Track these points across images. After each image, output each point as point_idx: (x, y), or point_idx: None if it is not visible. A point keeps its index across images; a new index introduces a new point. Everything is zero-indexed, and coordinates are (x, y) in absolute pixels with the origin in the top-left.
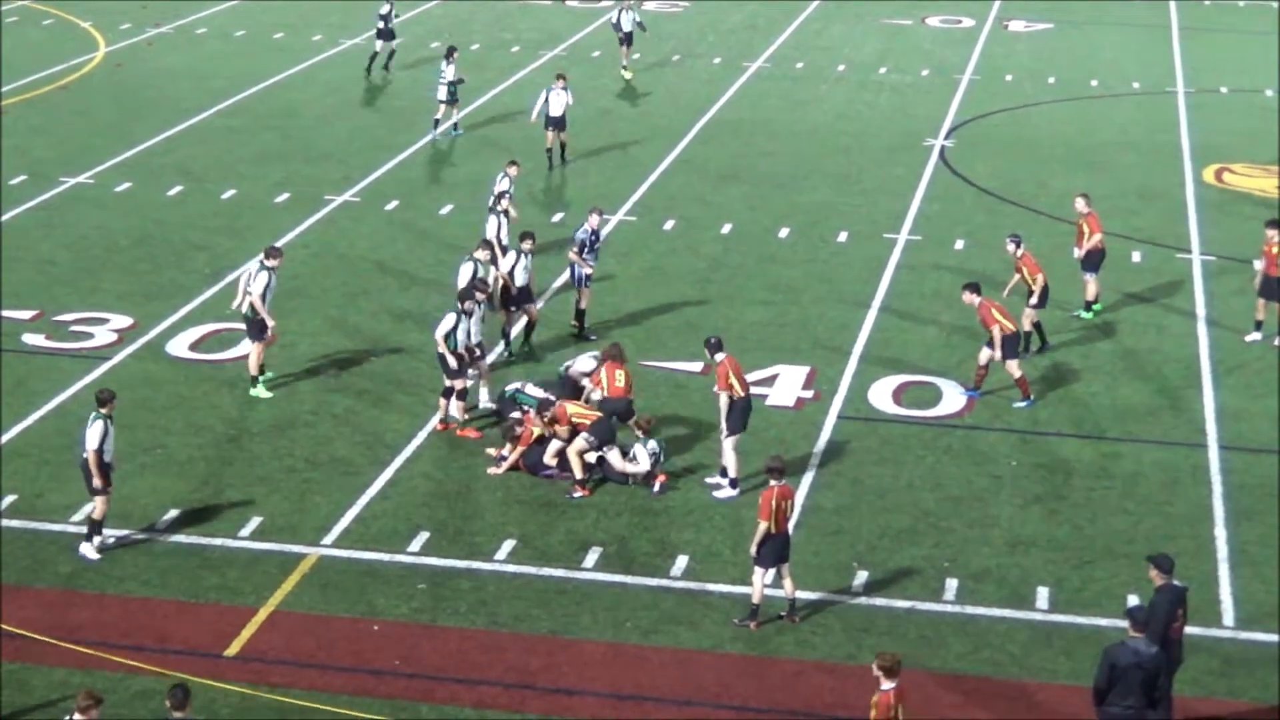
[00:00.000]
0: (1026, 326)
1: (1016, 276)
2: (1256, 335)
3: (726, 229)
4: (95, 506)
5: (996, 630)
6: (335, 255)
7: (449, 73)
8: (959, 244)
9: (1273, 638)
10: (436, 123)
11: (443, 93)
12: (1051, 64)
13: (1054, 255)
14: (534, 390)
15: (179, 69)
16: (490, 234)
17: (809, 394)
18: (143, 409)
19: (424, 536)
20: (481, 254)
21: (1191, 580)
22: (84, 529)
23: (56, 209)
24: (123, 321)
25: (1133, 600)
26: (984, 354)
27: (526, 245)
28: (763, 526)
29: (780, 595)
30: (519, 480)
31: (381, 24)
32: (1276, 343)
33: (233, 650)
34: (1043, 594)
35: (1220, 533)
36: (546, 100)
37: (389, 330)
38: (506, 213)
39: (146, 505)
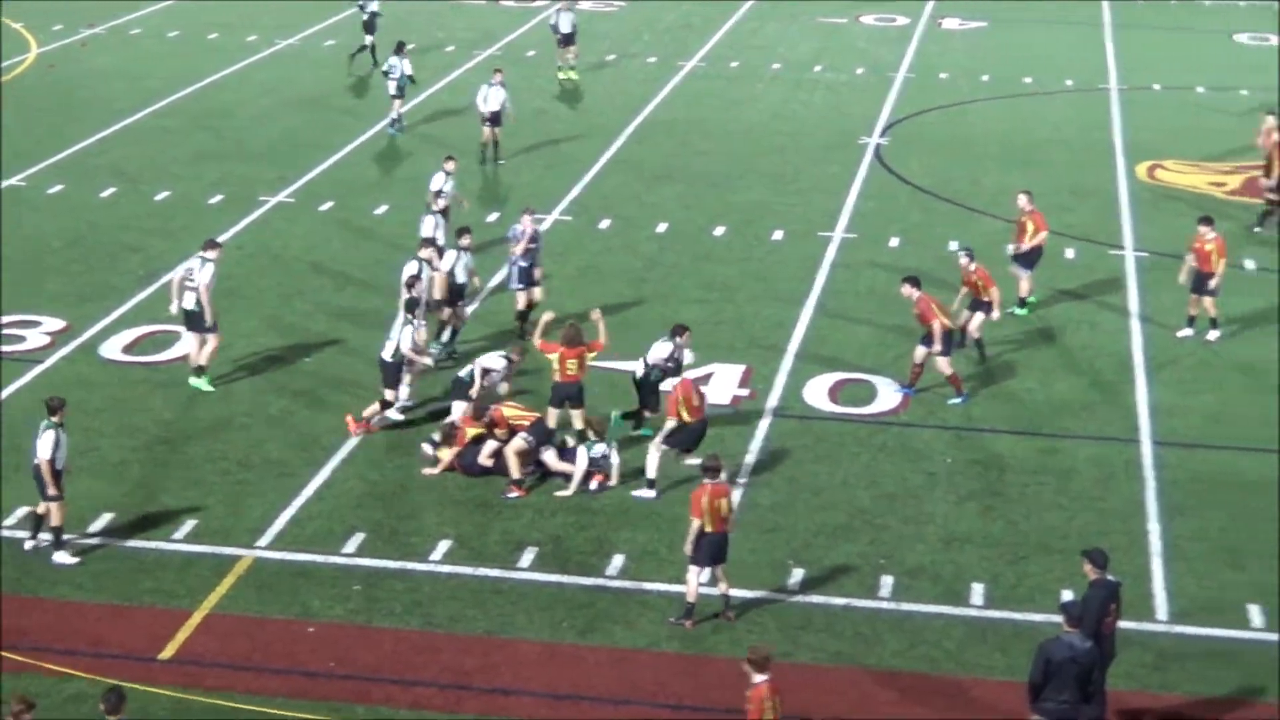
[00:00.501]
0: (975, 333)
1: (965, 290)
2: (1188, 331)
3: (662, 228)
4: (52, 515)
5: (932, 626)
6: (270, 256)
7: (403, 66)
8: (894, 241)
9: (1205, 631)
10: (394, 120)
11: (392, 87)
12: (985, 62)
13: (990, 252)
14: (488, 360)
15: (112, 70)
16: (427, 232)
17: (745, 392)
18: (76, 411)
19: (359, 538)
20: (425, 253)
21: (1125, 575)
22: (17, 534)
23: None
24: (56, 324)
25: (1067, 595)
26: (920, 351)
27: (465, 242)
28: (695, 524)
29: (717, 594)
30: (454, 481)
31: (366, 17)
32: (1209, 337)
33: (167, 653)
34: (978, 590)
35: (1153, 527)
36: (487, 96)
37: (325, 330)
38: (444, 211)
39: (81, 508)
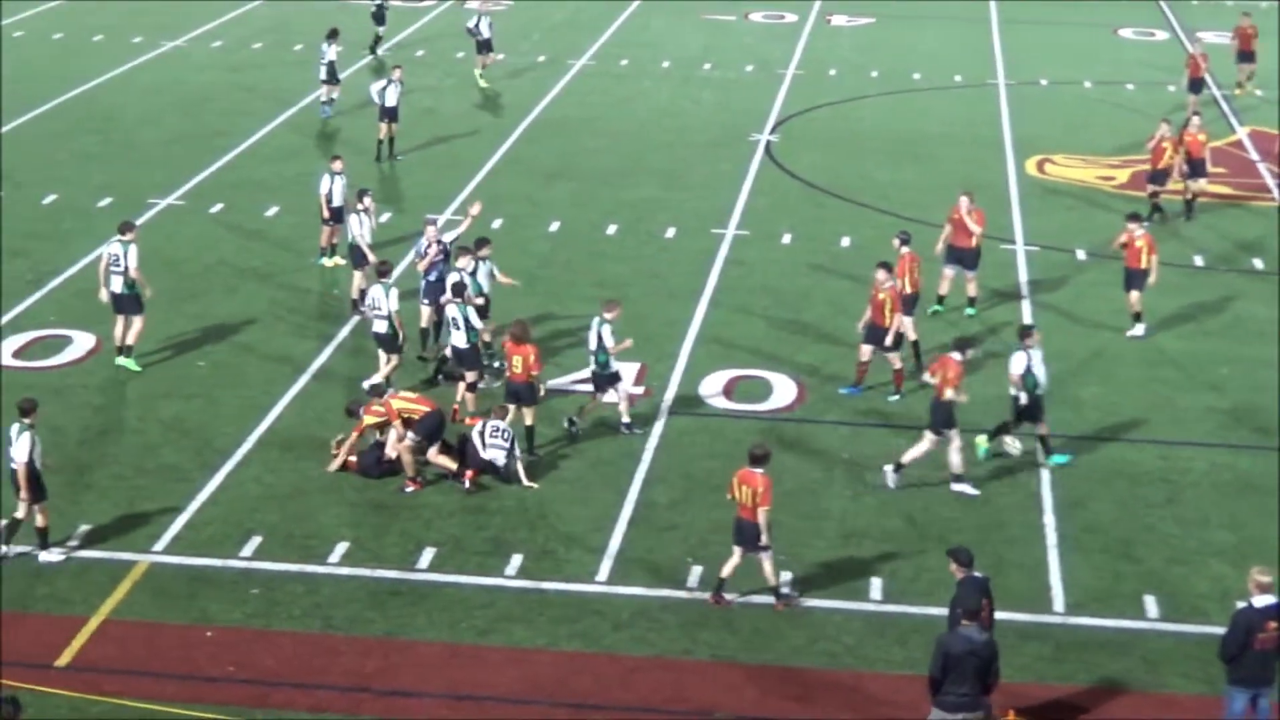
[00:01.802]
0: (911, 334)
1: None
2: (1137, 329)
3: (554, 226)
4: (38, 515)
5: (831, 621)
6: (161, 260)
7: (330, 53)
8: (786, 238)
9: (1102, 622)
10: (324, 103)
11: (323, 72)
12: (874, 58)
13: (881, 247)
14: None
15: None
16: (355, 233)
17: (639, 390)
18: None
19: (256, 541)
20: (464, 260)
21: (1022, 567)
22: None
23: None
24: None
25: None
26: (866, 349)
27: (484, 253)
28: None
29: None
30: (350, 482)
31: (375, 9)
32: (1136, 332)
33: (64, 660)
34: (876, 584)
35: (1049, 520)
36: (384, 91)
37: (217, 334)
38: (367, 210)
39: None
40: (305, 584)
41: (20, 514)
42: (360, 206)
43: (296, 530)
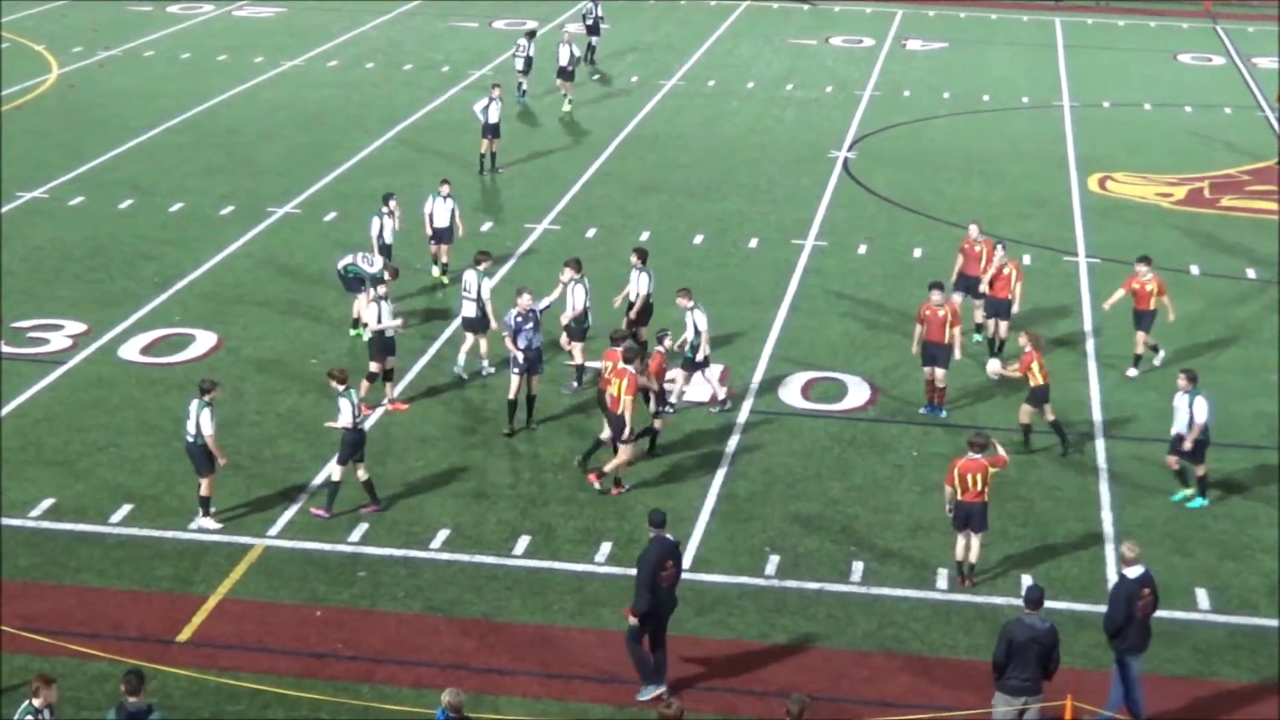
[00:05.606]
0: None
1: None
2: (1134, 371)
3: (645, 236)
4: (204, 487)
5: (900, 609)
6: (277, 264)
7: (530, 49)
8: (862, 249)
9: (1156, 613)
10: (519, 88)
11: (520, 64)
12: (946, 80)
13: (952, 258)
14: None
15: (128, 89)
16: (374, 233)
17: (723, 390)
18: (96, 409)
19: (363, 527)
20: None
21: (1079, 560)
22: (42, 524)
23: (13, 222)
24: (77, 328)
25: (1026, 580)
26: (930, 371)
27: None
28: (948, 491)
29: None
30: (452, 473)
31: (589, 22)
32: (1154, 363)
33: (184, 636)
34: (943, 575)
35: (1106, 516)
36: (486, 108)
37: (329, 333)
38: (392, 213)
39: (100, 500)
40: (408, 568)
41: (204, 490)
42: (386, 210)
43: (401, 518)
